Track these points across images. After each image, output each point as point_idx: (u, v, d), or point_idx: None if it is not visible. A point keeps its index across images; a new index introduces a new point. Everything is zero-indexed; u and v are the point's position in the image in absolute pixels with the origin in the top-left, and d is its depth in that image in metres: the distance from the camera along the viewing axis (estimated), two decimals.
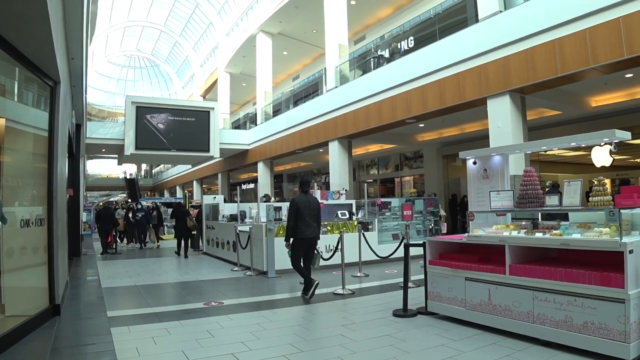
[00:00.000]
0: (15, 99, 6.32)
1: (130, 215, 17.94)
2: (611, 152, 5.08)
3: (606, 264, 4.57)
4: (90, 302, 7.74)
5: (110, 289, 8.96)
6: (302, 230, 7.69)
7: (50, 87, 6.59)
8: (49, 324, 6.08)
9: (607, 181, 4.86)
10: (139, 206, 18.11)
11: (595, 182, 4.83)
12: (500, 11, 10.93)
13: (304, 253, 7.84)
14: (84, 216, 17.27)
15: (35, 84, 6.42)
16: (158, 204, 22.38)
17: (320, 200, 10.25)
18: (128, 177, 51.68)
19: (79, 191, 15.55)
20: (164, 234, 20.16)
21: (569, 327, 4.48)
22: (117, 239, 18.57)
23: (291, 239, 7.70)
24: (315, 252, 8.04)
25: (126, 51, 51.94)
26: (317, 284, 7.60)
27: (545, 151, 11.68)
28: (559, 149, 14.95)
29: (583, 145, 5.44)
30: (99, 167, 57.70)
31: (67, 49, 7.76)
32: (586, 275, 4.40)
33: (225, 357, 4.63)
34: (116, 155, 28.59)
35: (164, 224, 20.38)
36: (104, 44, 46.02)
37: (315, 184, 12.69)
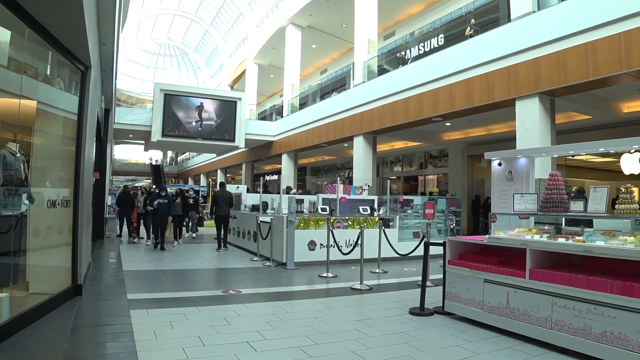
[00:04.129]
0: (48, 82, 6.45)
1: (149, 201, 13.76)
2: None
3: (629, 273, 4.48)
4: (111, 284, 7.90)
5: (131, 272, 9.11)
6: (219, 211, 13.08)
7: (81, 71, 6.71)
8: (71, 303, 6.22)
9: (635, 189, 4.75)
10: (162, 193, 13.11)
11: (623, 190, 4.73)
12: (534, 11, 10.74)
13: (221, 224, 13.25)
14: (109, 200, 17.42)
15: (66, 68, 6.55)
16: (190, 190, 18.30)
17: (342, 195, 10.77)
18: (154, 163, 52.38)
19: (105, 175, 15.80)
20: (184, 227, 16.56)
21: (587, 335, 4.41)
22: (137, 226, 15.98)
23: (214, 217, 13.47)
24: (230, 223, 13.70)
25: (157, 39, 52.52)
26: (221, 248, 13.16)
27: (573, 156, 11.48)
28: (587, 154, 14.67)
29: (612, 152, 5.34)
30: (125, 152, 58.56)
31: (99, 34, 7.89)
32: (608, 283, 4.32)
33: (241, 345, 4.68)
34: (143, 141, 28.97)
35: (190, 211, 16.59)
36: (135, 31, 46.60)
37: (338, 178, 12.75)
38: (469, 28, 13.17)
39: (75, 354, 4.39)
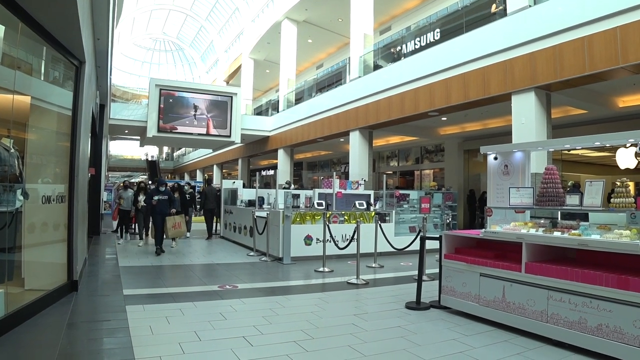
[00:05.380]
0: (41, 77, 6.42)
1: (146, 198, 12.36)
2: (637, 154, 4.97)
3: (625, 267, 4.50)
4: (107, 280, 7.88)
5: (127, 268, 9.10)
6: (208, 205, 15.18)
7: (75, 66, 6.67)
8: (67, 299, 6.20)
9: (631, 183, 4.77)
10: (162, 188, 11.37)
11: (618, 184, 4.74)
12: (530, 6, 10.72)
13: (208, 215, 15.27)
14: (104, 195, 17.34)
15: (61, 63, 6.51)
16: (186, 185, 17.63)
17: (338, 190, 10.89)
18: (149, 159, 52.30)
19: (100, 171, 15.75)
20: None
21: (583, 328, 4.43)
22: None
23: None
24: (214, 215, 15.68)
25: (152, 34, 52.27)
26: (211, 236, 15.02)
27: (569, 150, 11.50)
28: (582, 149, 14.71)
29: (608, 146, 5.35)
30: (121, 148, 58.41)
31: (93, 29, 7.84)
32: (603, 277, 4.33)
33: (237, 340, 4.68)
34: (138, 137, 28.86)
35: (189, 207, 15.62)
36: (130, 26, 46.37)
37: (334, 173, 12.76)
38: (495, 5, 12.98)
39: (72, 349, 4.38)
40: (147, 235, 12.95)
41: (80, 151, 6.84)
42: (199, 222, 17.50)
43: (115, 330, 4.94)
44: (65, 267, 6.55)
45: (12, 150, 4.94)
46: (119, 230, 14.37)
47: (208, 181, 16.51)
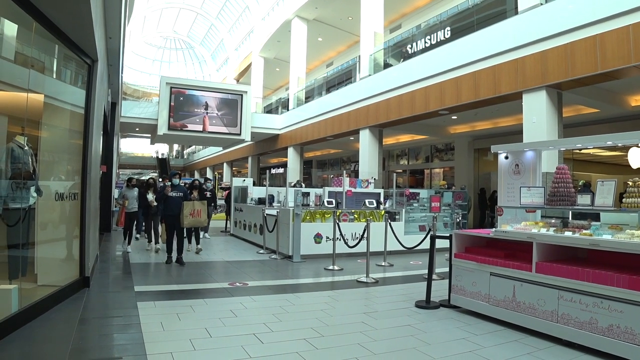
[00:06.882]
0: (54, 76, 6.48)
1: (149, 197, 11.26)
2: None
3: (636, 267, 4.47)
4: (118, 276, 7.95)
5: (139, 264, 9.17)
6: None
7: (88, 65, 6.73)
8: (79, 295, 6.26)
9: None
10: (176, 180, 9.88)
11: (630, 184, 4.70)
12: (541, 4, 10.66)
13: None
14: (115, 193, 17.44)
15: (73, 61, 6.57)
16: (208, 182, 15.66)
17: (348, 188, 10.95)
18: (160, 156, 52.53)
19: (111, 168, 15.85)
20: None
21: (593, 329, 4.41)
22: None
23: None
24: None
25: (162, 32, 52.49)
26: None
27: (580, 149, 11.42)
28: (594, 148, 14.60)
29: (620, 145, 5.29)
30: (132, 146, 58.70)
31: (105, 28, 7.90)
32: (614, 277, 4.31)
33: (247, 337, 4.71)
34: (149, 135, 28.99)
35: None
36: (141, 24, 46.59)
37: (344, 171, 12.77)
38: None
39: (84, 345, 4.43)
40: (156, 241, 11.43)
41: (93, 149, 6.90)
42: None
43: (127, 326, 4.99)
44: (77, 263, 6.61)
45: (26, 148, 5.00)
46: (124, 236, 11.41)
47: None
